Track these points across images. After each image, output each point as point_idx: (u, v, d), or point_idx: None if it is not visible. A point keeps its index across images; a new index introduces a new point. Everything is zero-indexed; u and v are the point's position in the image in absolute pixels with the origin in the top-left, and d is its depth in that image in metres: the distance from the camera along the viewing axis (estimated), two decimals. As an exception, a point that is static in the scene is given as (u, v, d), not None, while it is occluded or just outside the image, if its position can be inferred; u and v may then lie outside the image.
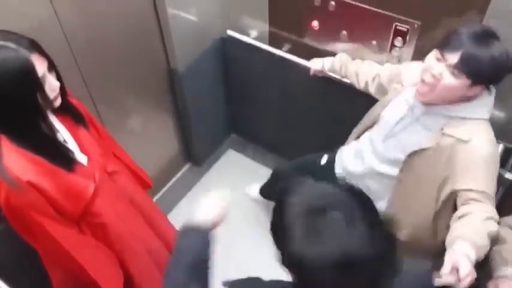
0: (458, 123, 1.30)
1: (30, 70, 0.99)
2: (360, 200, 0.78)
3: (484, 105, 1.30)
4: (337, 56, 1.73)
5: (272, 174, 2.13)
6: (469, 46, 1.17)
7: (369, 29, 1.69)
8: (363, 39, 1.73)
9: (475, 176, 1.25)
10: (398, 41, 1.63)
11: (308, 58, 1.87)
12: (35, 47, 1.02)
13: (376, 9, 1.61)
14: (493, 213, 1.23)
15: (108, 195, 1.26)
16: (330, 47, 1.84)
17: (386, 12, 1.59)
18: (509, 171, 1.60)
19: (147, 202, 1.53)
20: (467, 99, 1.28)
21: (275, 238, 0.84)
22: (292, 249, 0.76)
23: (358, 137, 1.67)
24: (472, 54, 1.17)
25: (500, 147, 1.56)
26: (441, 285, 1.00)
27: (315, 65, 1.80)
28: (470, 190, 1.25)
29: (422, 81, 1.28)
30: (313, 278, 0.75)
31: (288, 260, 0.79)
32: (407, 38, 1.60)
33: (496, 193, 1.62)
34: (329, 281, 0.74)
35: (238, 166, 2.57)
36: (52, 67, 1.08)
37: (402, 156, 1.41)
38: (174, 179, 2.38)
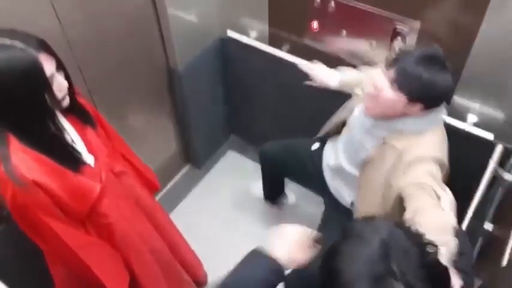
0: (397, 134, 1.36)
1: (38, 70, 0.99)
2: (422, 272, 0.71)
3: (422, 120, 1.33)
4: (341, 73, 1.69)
5: (261, 161, 2.06)
6: (408, 63, 1.24)
7: (368, 29, 1.69)
8: (363, 40, 1.73)
9: (413, 173, 1.27)
10: (398, 42, 1.63)
11: (308, 59, 1.86)
12: (43, 46, 1.02)
13: (375, 10, 1.61)
14: (437, 203, 1.19)
15: (114, 195, 1.26)
16: (330, 47, 1.84)
17: (386, 13, 1.59)
18: (509, 172, 1.60)
19: (152, 203, 1.53)
20: (407, 115, 1.32)
21: None
22: None
23: (329, 132, 1.74)
24: (406, 69, 1.24)
25: (499, 147, 1.56)
26: None
27: (331, 80, 1.69)
28: (404, 187, 1.26)
29: (367, 94, 1.35)
30: None
31: None
32: (407, 38, 1.60)
33: (495, 194, 1.63)
34: None
35: (238, 167, 2.57)
36: (60, 66, 1.08)
37: (358, 161, 1.49)
38: (173, 181, 2.38)
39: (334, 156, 1.68)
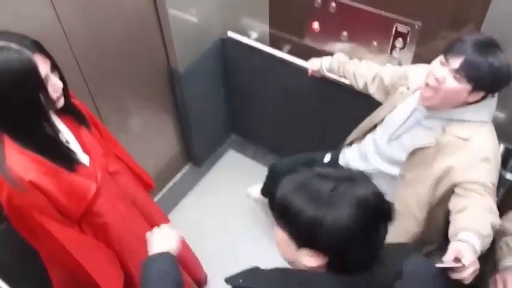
0: (459, 124, 1.34)
1: (33, 71, 0.99)
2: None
3: (484, 109, 1.33)
4: (335, 56, 1.74)
5: (269, 172, 2.09)
6: (471, 52, 1.23)
7: (369, 30, 1.69)
8: (364, 41, 1.73)
9: (476, 169, 1.28)
10: (399, 42, 1.63)
11: (308, 59, 1.87)
12: (37, 47, 1.02)
13: (376, 11, 1.61)
14: (494, 206, 1.25)
15: (109, 195, 1.26)
16: (331, 48, 1.84)
17: (386, 14, 1.59)
18: (510, 171, 1.60)
19: (148, 202, 1.53)
20: (467, 103, 1.31)
21: (287, 224, 0.85)
22: (305, 218, 0.78)
23: (359, 138, 1.67)
24: (473, 60, 1.22)
25: (501, 147, 1.56)
26: (444, 267, 1.00)
27: (313, 65, 1.80)
28: (471, 182, 1.27)
29: (426, 84, 1.32)
30: (334, 240, 0.77)
31: (304, 233, 0.80)
32: (408, 39, 1.60)
33: (497, 193, 1.63)
34: (351, 235, 0.77)
35: (238, 166, 2.57)
36: (55, 67, 1.08)
37: (405, 157, 1.44)
38: (174, 180, 2.38)
39: (362, 161, 1.62)
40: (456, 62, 1.24)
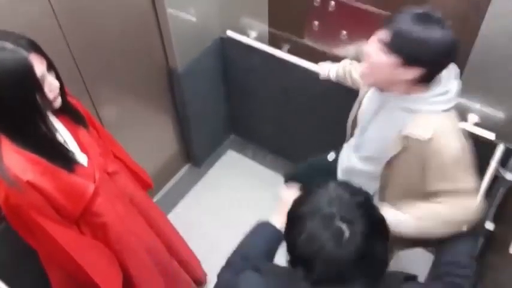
0: (415, 121, 1.25)
1: (29, 70, 0.99)
2: (367, 213, 0.88)
3: (439, 96, 1.24)
4: (341, 63, 1.69)
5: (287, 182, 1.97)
6: (402, 23, 1.15)
7: (368, 29, 1.67)
8: (363, 40, 1.72)
9: (452, 177, 1.22)
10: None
11: (308, 58, 1.86)
12: (33, 47, 1.02)
13: (376, 10, 1.61)
14: (471, 204, 1.23)
15: (108, 195, 1.26)
16: (330, 47, 1.83)
17: (386, 13, 1.59)
18: (510, 171, 1.60)
19: (147, 202, 1.52)
20: (416, 88, 1.24)
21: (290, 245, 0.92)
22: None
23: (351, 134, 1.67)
24: (402, 30, 1.15)
25: (501, 147, 1.56)
26: None
27: (322, 70, 1.76)
28: (448, 191, 1.23)
29: (363, 62, 1.28)
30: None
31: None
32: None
33: (497, 194, 1.63)
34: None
35: (237, 167, 2.57)
36: (51, 67, 1.08)
37: (373, 154, 1.41)
38: (173, 180, 2.38)
39: (346, 158, 1.60)
40: (385, 34, 1.17)
